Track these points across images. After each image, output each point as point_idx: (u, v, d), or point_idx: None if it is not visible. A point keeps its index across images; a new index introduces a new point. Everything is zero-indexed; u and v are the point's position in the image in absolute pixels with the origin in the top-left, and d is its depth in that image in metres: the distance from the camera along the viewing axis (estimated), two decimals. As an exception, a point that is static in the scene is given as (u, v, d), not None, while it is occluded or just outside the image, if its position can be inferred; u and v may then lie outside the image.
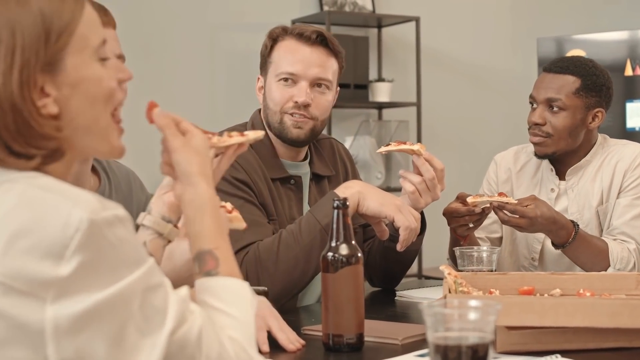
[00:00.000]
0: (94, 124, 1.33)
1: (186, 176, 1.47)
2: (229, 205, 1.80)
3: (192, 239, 1.45)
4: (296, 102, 2.47)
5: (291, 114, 2.48)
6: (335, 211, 1.86)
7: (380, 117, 5.54)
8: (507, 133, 5.82)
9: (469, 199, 2.51)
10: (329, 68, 2.51)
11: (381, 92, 5.33)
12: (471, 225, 2.57)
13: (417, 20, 5.31)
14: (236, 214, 1.80)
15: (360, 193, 2.31)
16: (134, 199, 2.27)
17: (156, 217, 1.64)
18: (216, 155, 1.64)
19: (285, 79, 2.48)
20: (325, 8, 5.26)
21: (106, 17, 1.96)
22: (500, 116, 5.89)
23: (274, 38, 2.52)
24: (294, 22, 5.19)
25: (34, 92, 1.25)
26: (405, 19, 5.34)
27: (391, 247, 2.53)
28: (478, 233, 2.84)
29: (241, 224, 1.79)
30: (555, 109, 2.76)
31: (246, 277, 2.23)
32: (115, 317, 1.17)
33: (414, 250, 2.58)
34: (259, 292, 2.02)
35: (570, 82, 2.76)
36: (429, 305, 1.38)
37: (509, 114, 5.88)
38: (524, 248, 2.87)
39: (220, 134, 1.65)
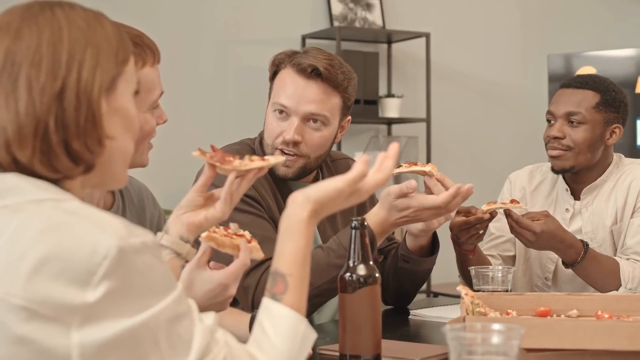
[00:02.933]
0: (123, 152, 1.35)
1: (301, 194, 1.46)
2: (248, 235, 1.80)
3: (275, 255, 1.45)
4: (282, 137, 2.42)
5: (281, 150, 2.43)
6: (353, 231, 1.85)
7: (389, 132, 5.54)
8: (517, 149, 5.83)
9: (484, 207, 2.51)
10: (326, 103, 2.42)
11: (391, 108, 5.32)
12: (481, 232, 2.56)
13: (427, 36, 5.31)
14: (255, 243, 1.80)
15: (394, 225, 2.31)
16: (147, 215, 2.27)
17: (174, 237, 1.64)
18: (236, 177, 1.65)
19: (280, 111, 2.43)
20: (336, 24, 5.27)
21: (157, 55, 1.98)
22: (510, 132, 5.89)
23: (277, 64, 2.46)
24: (304, 37, 5.20)
25: (103, 98, 1.28)
26: (416, 35, 5.34)
27: (404, 267, 2.53)
28: (490, 251, 2.84)
29: (259, 254, 1.80)
30: (575, 123, 2.77)
31: (263, 293, 2.25)
32: (141, 344, 1.17)
33: (427, 270, 2.58)
34: None
35: (590, 96, 2.78)
36: (452, 328, 1.38)
37: (519, 130, 5.89)
38: (537, 268, 2.87)
39: (242, 157, 1.66)
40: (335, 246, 2.32)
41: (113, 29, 1.34)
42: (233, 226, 1.79)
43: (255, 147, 2.53)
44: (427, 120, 5.35)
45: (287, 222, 1.45)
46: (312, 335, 1.43)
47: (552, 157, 2.81)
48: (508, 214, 2.55)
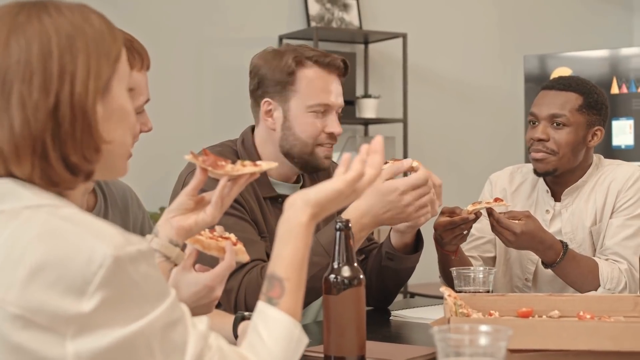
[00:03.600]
0: (122, 150, 1.34)
1: (300, 197, 1.46)
2: (233, 237, 1.81)
3: (272, 258, 1.45)
4: (331, 133, 2.48)
5: (323, 145, 2.48)
6: (338, 233, 1.85)
7: (366, 133, 5.54)
8: (493, 150, 5.86)
9: (469, 207, 2.53)
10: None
11: (368, 109, 5.33)
12: (465, 232, 2.57)
13: (404, 36, 5.32)
14: (240, 246, 1.81)
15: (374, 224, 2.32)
16: (131, 216, 2.26)
17: (164, 241, 1.64)
18: (227, 182, 1.65)
19: (320, 111, 2.46)
20: (313, 24, 5.27)
21: (147, 60, 1.98)
22: (487, 132, 5.91)
23: (296, 64, 2.44)
24: (281, 37, 5.19)
25: (96, 106, 1.27)
26: (392, 36, 5.35)
27: (388, 266, 2.53)
28: (470, 252, 2.85)
29: (245, 257, 1.81)
30: (558, 125, 2.77)
31: (246, 297, 2.26)
32: (136, 353, 1.17)
33: (410, 268, 2.59)
34: None
35: (574, 98, 2.79)
36: (440, 330, 1.38)
37: (496, 130, 5.91)
38: (517, 269, 2.88)
39: (234, 162, 1.66)
40: (313, 244, 2.33)
41: (101, 23, 1.31)
42: (219, 229, 1.80)
43: (238, 149, 2.52)
44: (404, 121, 5.36)
45: (285, 226, 1.45)
46: (305, 340, 1.44)
47: (535, 160, 2.81)
48: (489, 212, 2.56)
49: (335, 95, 2.48)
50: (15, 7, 1.28)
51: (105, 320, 1.14)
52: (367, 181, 1.50)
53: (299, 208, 1.45)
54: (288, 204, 1.46)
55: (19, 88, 1.22)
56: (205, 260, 1.79)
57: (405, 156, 5.27)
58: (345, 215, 2.26)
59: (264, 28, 5.22)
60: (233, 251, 1.74)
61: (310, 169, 2.52)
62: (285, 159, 2.50)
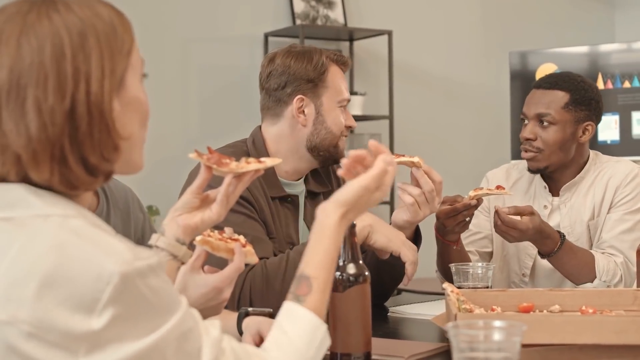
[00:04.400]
0: (139, 144, 1.34)
1: (335, 198, 1.49)
2: (242, 239, 1.81)
3: (303, 259, 1.47)
4: (350, 125, 2.61)
5: (343, 137, 2.60)
6: (343, 230, 1.86)
7: (352, 130, 5.53)
8: (479, 146, 5.89)
9: (471, 193, 2.55)
10: None
11: (353, 105, 5.33)
12: (467, 219, 2.59)
13: (389, 33, 5.33)
14: (249, 248, 1.81)
15: (371, 227, 2.35)
16: (132, 218, 2.26)
17: (170, 239, 1.64)
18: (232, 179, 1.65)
19: (344, 105, 2.58)
20: (298, 22, 5.27)
21: None
22: (472, 129, 5.94)
23: (329, 62, 2.56)
24: (267, 35, 5.19)
25: (112, 103, 1.25)
26: (378, 33, 5.36)
27: (386, 261, 2.54)
28: (468, 247, 2.87)
29: (254, 259, 1.80)
30: (545, 123, 2.80)
31: (250, 293, 2.27)
32: None
33: (407, 264, 2.61)
34: (264, 314, 2.03)
35: (559, 96, 2.81)
36: (455, 325, 1.39)
37: (481, 127, 5.94)
38: (514, 264, 2.91)
39: (238, 159, 1.66)
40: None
41: (111, 14, 1.29)
42: (228, 230, 1.79)
43: (249, 148, 2.55)
44: (390, 118, 5.38)
45: (317, 228, 1.48)
46: (328, 341, 1.44)
47: (526, 159, 2.85)
48: (496, 211, 2.58)
49: (348, 90, 2.63)
50: (24, 5, 1.25)
51: (117, 337, 1.14)
52: (391, 176, 1.53)
53: (330, 210, 1.48)
54: (320, 210, 1.49)
55: (33, 92, 1.20)
56: (214, 262, 1.79)
57: (391, 152, 5.26)
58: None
59: (249, 26, 5.22)
60: (242, 253, 1.74)
61: (331, 161, 2.60)
62: (308, 153, 2.55)
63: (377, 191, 1.52)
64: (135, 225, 2.24)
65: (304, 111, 2.53)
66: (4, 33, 1.23)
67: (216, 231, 1.76)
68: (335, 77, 2.57)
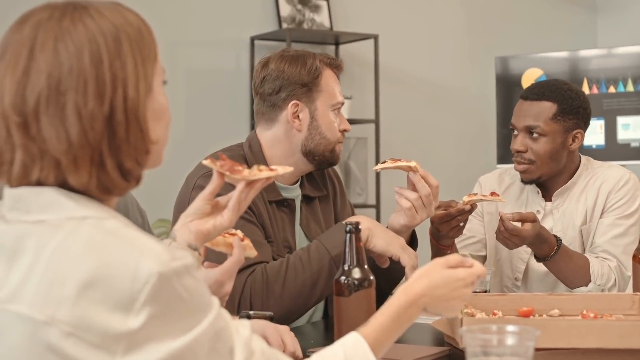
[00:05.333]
0: (159, 147, 1.35)
1: (424, 288, 1.52)
2: (240, 233, 1.83)
3: (375, 333, 1.48)
4: (344, 129, 2.59)
5: (339, 142, 2.58)
6: (348, 235, 1.88)
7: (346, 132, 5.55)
8: (464, 150, 5.91)
9: (465, 198, 2.56)
10: None
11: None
12: (461, 224, 2.60)
13: (375, 37, 5.34)
14: (248, 242, 1.83)
15: (370, 230, 2.34)
16: (131, 220, 2.26)
17: (182, 245, 1.64)
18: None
19: (337, 109, 2.56)
20: (284, 25, 5.28)
21: None
22: (459, 133, 5.95)
23: (322, 66, 2.55)
24: (253, 38, 5.19)
25: (147, 109, 1.27)
26: (364, 37, 5.37)
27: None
28: (462, 251, 2.89)
29: (253, 252, 1.83)
30: (535, 135, 2.82)
31: (250, 297, 2.27)
32: None
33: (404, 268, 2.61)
34: (265, 317, 2.04)
35: (547, 107, 2.83)
36: (469, 330, 1.40)
37: (467, 131, 5.95)
38: (507, 268, 2.93)
39: (250, 167, 1.68)
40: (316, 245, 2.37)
41: (138, 20, 1.31)
42: (239, 233, 1.81)
43: (246, 153, 2.54)
44: (376, 122, 5.38)
45: (391, 310, 1.52)
46: None
47: (518, 171, 2.88)
48: (500, 219, 2.59)
49: (341, 94, 2.61)
50: (55, 11, 1.26)
51: (154, 336, 1.15)
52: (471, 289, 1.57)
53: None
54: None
55: (73, 98, 1.21)
56: (214, 258, 1.81)
57: (377, 156, 5.29)
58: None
59: (235, 29, 5.22)
60: (241, 246, 1.76)
61: (326, 165, 2.59)
62: (304, 157, 2.54)
63: (460, 290, 1.55)
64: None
65: (298, 116, 2.52)
66: (38, 39, 1.23)
67: None
68: (329, 80, 2.56)
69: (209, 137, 4.82)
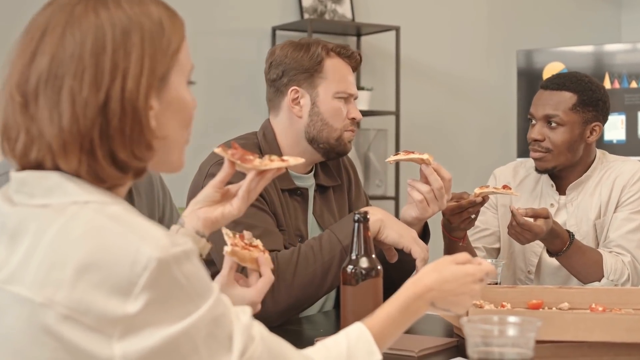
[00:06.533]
0: (178, 143, 1.34)
1: (432, 283, 1.53)
2: (260, 245, 1.83)
3: (380, 325, 1.49)
4: (353, 118, 2.57)
5: (348, 130, 2.57)
6: (356, 224, 1.88)
7: (358, 125, 5.55)
8: (485, 143, 5.89)
9: (476, 190, 2.56)
10: None
11: (360, 101, 5.33)
12: (473, 216, 2.60)
13: (397, 29, 5.34)
14: (267, 255, 1.82)
15: (382, 221, 2.34)
16: (156, 197, 2.29)
17: (190, 232, 1.65)
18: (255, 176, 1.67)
19: (344, 97, 2.54)
20: (306, 16, 5.28)
21: None
22: (478, 126, 5.94)
23: (325, 52, 2.54)
24: (274, 29, 5.20)
25: (149, 102, 1.26)
26: (385, 28, 5.37)
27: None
28: (475, 243, 2.88)
29: (271, 265, 1.83)
30: (553, 124, 2.81)
31: None
32: (182, 351, 1.17)
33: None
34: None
35: (567, 98, 2.82)
36: (470, 320, 1.40)
37: (487, 124, 5.94)
38: (520, 261, 2.92)
39: (261, 156, 1.68)
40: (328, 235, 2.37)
41: (161, 14, 1.30)
42: (247, 234, 1.82)
43: (260, 141, 2.55)
44: (397, 113, 5.38)
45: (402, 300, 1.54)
46: None
47: (534, 159, 2.87)
48: (512, 214, 2.59)
49: (354, 85, 2.59)
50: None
51: (151, 321, 1.15)
52: (481, 286, 1.59)
53: (420, 284, 1.54)
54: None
55: (69, 83, 1.21)
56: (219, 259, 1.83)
57: (397, 149, 5.29)
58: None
59: (257, 19, 5.22)
60: (268, 263, 1.76)
61: (334, 154, 2.58)
62: (310, 145, 2.54)
63: (469, 285, 1.56)
64: (158, 204, 2.27)
65: (299, 102, 2.53)
66: (51, 23, 1.25)
67: (237, 235, 1.78)
68: (335, 68, 2.55)
69: (229, 126, 4.82)
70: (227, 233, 1.76)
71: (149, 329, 1.15)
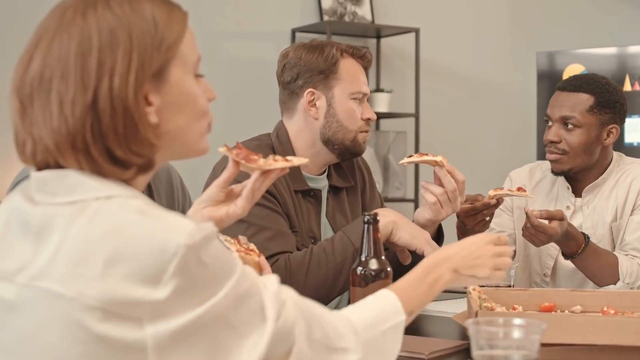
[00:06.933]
0: (191, 134, 1.35)
1: (448, 253, 1.60)
2: (256, 249, 1.87)
3: (403, 288, 1.53)
4: (368, 118, 2.57)
5: (363, 131, 2.57)
6: (366, 226, 1.88)
7: (378, 127, 5.56)
8: (505, 145, 5.87)
9: (490, 192, 2.55)
10: None
11: (380, 103, 5.34)
12: (487, 219, 2.59)
13: (416, 31, 5.33)
14: (263, 258, 1.85)
15: (395, 223, 2.34)
16: (175, 197, 2.30)
17: None
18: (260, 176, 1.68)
19: (358, 98, 2.55)
20: (326, 18, 5.28)
21: None
22: (498, 129, 5.92)
23: (339, 53, 2.55)
24: (294, 31, 5.21)
25: (143, 99, 1.27)
26: (405, 30, 5.36)
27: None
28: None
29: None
30: (570, 126, 2.80)
31: None
32: (214, 327, 1.20)
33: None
34: None
35: (584, 99, 2.81)
36: (475, 322, 1.40)
37: (507, 127, 5.92)
38: (536, 264, 2.91)
39: (264, 152, 1.70)
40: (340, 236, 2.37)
41: (155, 9, 1.31)
42: (243, 239, 1.84)
43: (274, 142, 2.56)
44: (416, 116, 5.38)
45: (428, 265, 1.59)
46: (400, 332, 1.49)
47: (550, 161, 2.85)
48: (527, 215, 2.58)
49: (367, 85, 2.59)
50: (65, 4, 1.30)
51: (180, 305, 1.17)
52: (505, 261, 1.65)
53: (444, 262, 1.59)
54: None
55: (57, 85, 1.24)
56: None
57: (417, 151, 5.27)
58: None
59: (277, 21, 5.23)
60: (267, 266, 1.81)
61: (349, 155, 2.58)
62: (325, 147, 2.54)
63: (485, 247, 1.63)
64: (177, 205, 2.28)
65: (315, 104, 2.53)
66: (45, 29, 1.29)
67: (234, 240, 1.80)
68: (349, 69, 2.55)
69: (248, 128, 4.82)
70: (226, 239, 1.78)
71: (179, 312, 1.17)
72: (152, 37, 1.29)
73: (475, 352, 1.39)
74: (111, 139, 1.24)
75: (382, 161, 5.41)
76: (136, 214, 1.20)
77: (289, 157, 1.72)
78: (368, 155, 5.25)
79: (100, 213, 1.21)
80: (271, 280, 1.33)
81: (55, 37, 1.26)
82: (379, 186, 5.26)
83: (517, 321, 1.39)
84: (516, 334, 1.38)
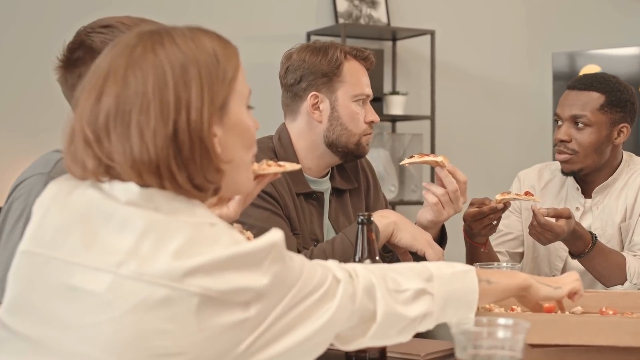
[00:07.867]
0: (243, 164, 1.44)
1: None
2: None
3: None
4: (372, 121, 2.57)
5: (366, 134, 2.57)
6: (360, 227, 1.87)
7: (394, 130, 5.54)
8: (521, 147, 5.84)
9: (497, 197, 2.53)
10: None
11: (395, 105, 5.33)
12: (494, 223, 2.58)
13: (432, 33, 5.32)
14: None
15: (396, 224, 2.34)
16: None
17: None
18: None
19: (362, 99, 2.55)
20: (341, 20, 5.28)
21: None
22: (514, 130, 5.89)
23: (343, 56, 2.54)
24: (309, 34, 5.21)
25: (212, 130, 1.35)
26: (420, 32, 5.35)
27: (412, 261, 2.54)
28: (498, 248, 2.86)
29: None
30: (580, 125, 2.77)
31: None
32: (303, 304, 1.34)
33: (433, 263, 2.60)
34: None
35: (595, 98, 2.78)
36: (458, 322, 1.39)
37: (523, 128, 5.89)
38: (545, 266, 2.88)
39: (266, 155, 1.72)
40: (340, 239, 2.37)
41: (215, 45, 1.38)
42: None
43: (275, 145, 2.56)
44: (432, 118, 5.36)
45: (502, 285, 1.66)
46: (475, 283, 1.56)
47: (560, 161, 2.82)
48: (534, 214, 2.56)
49: (369, 86, 2.59)
50: (133, 40, 1.36)
51: (278, 289, 1.30)
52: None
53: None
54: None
55: (137, 118, 1.30)
56: None
57: (432, 153, 5.25)
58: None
59: (292, 24, 5.24)
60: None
61: (352, 157, 2.59)
62: (328, 149, 2.55)
63: None
64: None
65: (319, 107, 2.53)
66: (113, 66, 1.35)
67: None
68: (353, 71, 2.55)
69: (262, 131, 4.84)
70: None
71: (277, 292, 1.30)
72: (216, 72, 1.36)
73: (459, 353, 1.38)
74: (191, 168, 1.33)
75: (397, 164, 5.40)
76: (232, 232, 1.33)
77: (281, 163, 1.76)
78: (384, 158, 5.25)
79: (209, 234, 1.30)
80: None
81: (128, 72, 1.32)
82: (394, 189, 5.25)
83: (502, 321, 1.38)
84: (501, 333, 1.37)
